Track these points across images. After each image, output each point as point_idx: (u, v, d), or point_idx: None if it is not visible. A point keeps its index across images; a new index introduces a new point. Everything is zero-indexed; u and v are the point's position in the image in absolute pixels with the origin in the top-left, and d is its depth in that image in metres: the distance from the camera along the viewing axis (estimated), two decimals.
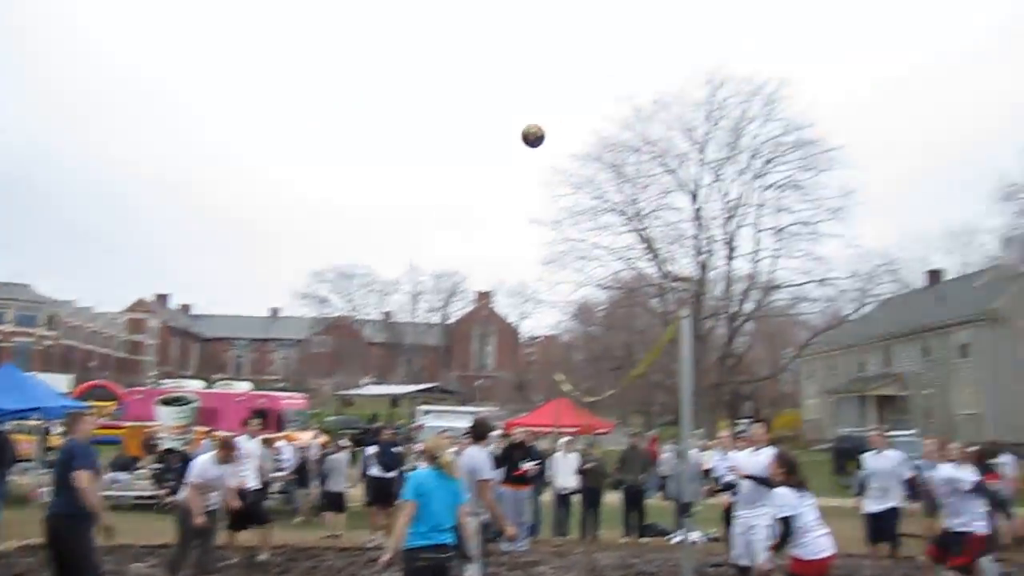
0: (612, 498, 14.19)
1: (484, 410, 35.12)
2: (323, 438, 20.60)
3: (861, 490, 10.24)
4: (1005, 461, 13.55)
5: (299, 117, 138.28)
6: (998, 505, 10.07)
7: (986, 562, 9.03)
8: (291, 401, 29.52)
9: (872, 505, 9.85)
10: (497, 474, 7.24)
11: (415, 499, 5.86)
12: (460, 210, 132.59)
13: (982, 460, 10.35)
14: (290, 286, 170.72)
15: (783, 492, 6.51)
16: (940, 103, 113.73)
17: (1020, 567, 10.72)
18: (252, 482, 10.53)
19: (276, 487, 14.96)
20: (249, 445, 10.71)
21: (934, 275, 51.64)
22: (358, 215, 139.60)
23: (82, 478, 6.35)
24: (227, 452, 8.95)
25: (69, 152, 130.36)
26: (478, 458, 7.48)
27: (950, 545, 8.20)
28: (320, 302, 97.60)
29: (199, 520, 8.34)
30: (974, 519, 8.20)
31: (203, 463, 8.79)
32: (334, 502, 13.61)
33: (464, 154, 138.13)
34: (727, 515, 9.86)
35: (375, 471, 12.49)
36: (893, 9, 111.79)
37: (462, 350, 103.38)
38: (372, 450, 12.90)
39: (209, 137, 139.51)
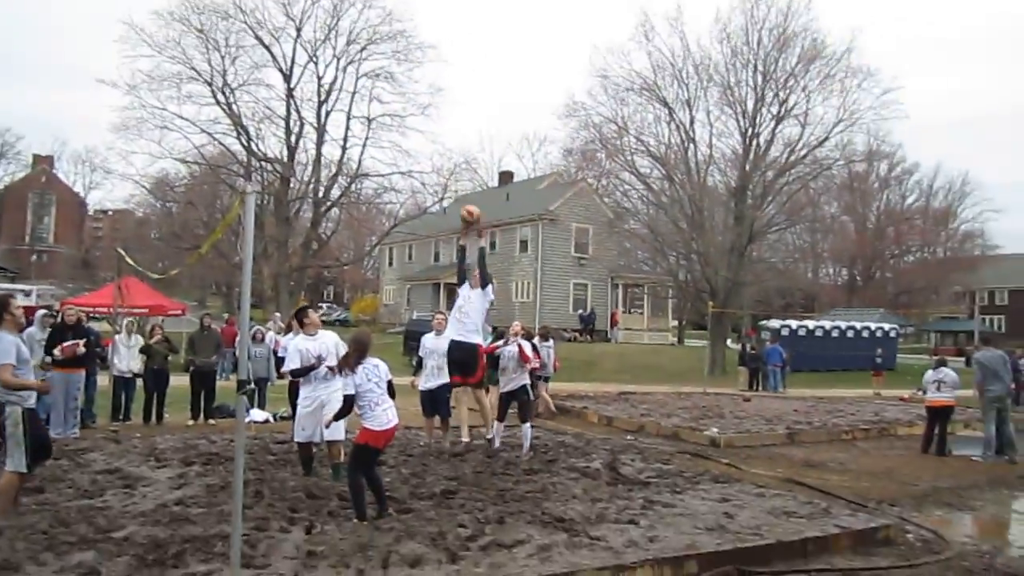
0: (181, 380, 13.67)
1: (40, 288, 31.53)
2: None
3: (418, 368, 11.04)
4: (549, 344, 15.70)
5: None
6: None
7: (526, 427, 10.46)
8: None
9: (428, 382, 10.72)
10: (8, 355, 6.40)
11: None
12: (15, 58, 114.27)
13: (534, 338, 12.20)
14: None
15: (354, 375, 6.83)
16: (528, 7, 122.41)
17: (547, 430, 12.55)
18: None
19: None
20: None
21: (505, 176, 56.75)
22: None
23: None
24: None
25: None
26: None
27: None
28: None
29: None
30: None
31: None
32: None
33: None
34: (292, 395, 10.09)
35: None
36: None
37: (14, 220, 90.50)
38: None
39: None
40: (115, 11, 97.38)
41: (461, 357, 10.03)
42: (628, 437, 13.28)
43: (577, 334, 39.51)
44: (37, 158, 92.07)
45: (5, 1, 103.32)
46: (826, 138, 34.23)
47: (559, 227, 41.68)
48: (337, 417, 7.09)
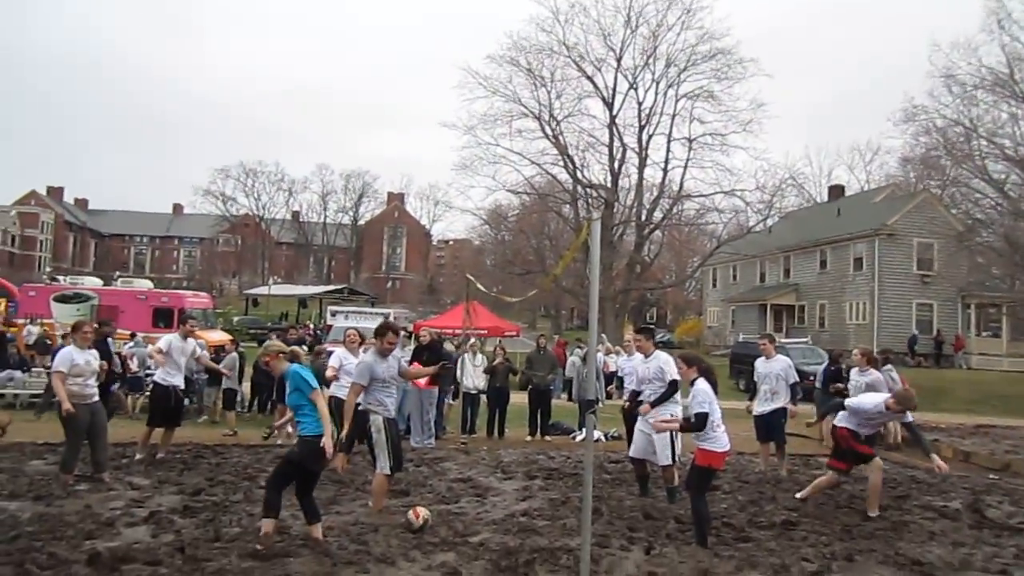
0: (519, 398, 14.52)
1: (394, 311, 35.22)
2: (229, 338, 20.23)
3: (752, 394, 10.76)
4: (889, 369, 14.47)
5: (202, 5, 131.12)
6: None
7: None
8: (196, 300, 28.94)
9: (761, 407, 10.42)
10: (365, 377, 7.36)
11: (314, 390, 6.19)
12: (371, 109, 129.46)
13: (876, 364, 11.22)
14: (193, 183, 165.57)
15: (704, 387, 6.81)
16: (858, 27, 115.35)
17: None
18: (179, 382, 10.35)
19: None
20: (183, 345, 10.38)
21: (835, 190, 53.46)
22: (266, 111, 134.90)
23: None
24: (85, 335, 8.71)
25: None
26: (364, 359, 7.66)
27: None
28: (225, 200, 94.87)
29: (66, 407, 8.12)
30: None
31: (66, 352, 8.51)
32: (228, 400, 13.65)
33: (376, 52, 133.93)
34: (627, 416, 10.30)
35: None
36: None
37: (372, 251, 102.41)
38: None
39: (106, 22, 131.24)
40: (452, 58, 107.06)
41: None
42: (991, 476, 11.85)
43: (922, 359, 36.04)
44: (390, 195, 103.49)
45: (367, 61, 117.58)
46: None
47: (898, 242, 38.39)
48: (685, 429, 7.07)
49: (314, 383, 6.17)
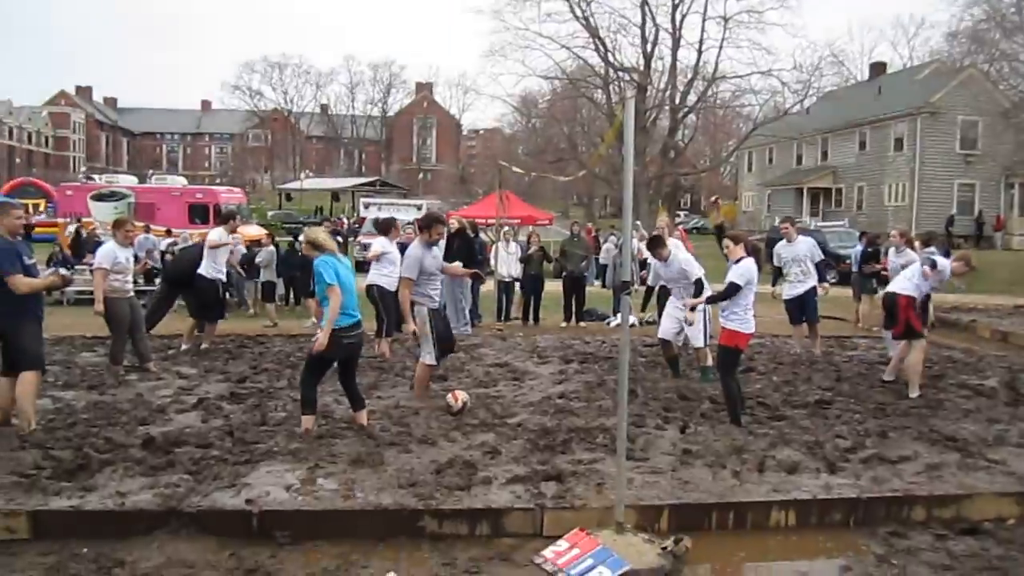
0: (553, 286, 14.61)
1: (427, 202, 35.18)
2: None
3: (774, 279, 10.71)
4: (931, 251, 14.23)
5: None
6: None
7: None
8: (230, 196, 29.14)
9: (790, 290, 10.38)
10: (414, 270, 7.38)
11: (338, 283, 6.18)
12: None
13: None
14: (220, 78, 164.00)
15: (748, 265, 6.80)
16: None
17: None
18: (223, 275, 10.59)
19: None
20: (219, 237, 10.51)
21: (877, 68, 51.54)
22: (289, 2, 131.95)
23: (14, 283, 6.03)
24: (127, 232, 8.91)
25: None
26: (412, 253, 7.54)
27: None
28: (252, 94, 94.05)
29: (98, 307, 8.36)
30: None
31: (107, 248, 8.68)
32: (267, 292, 13.92)
33: None
34: (660, 299, 10.36)
35: None
36: None
37: (402, 143, 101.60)
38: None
39: None
40: None
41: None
42: None
43: (962, 240, 35.47)
44: (419, 86, 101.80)
45: None
46: None
47: (941, 121, 37.17)
48: (712, 300, 7.06)
49: (330, 278, 6.16)
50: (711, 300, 7.18)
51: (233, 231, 10.91)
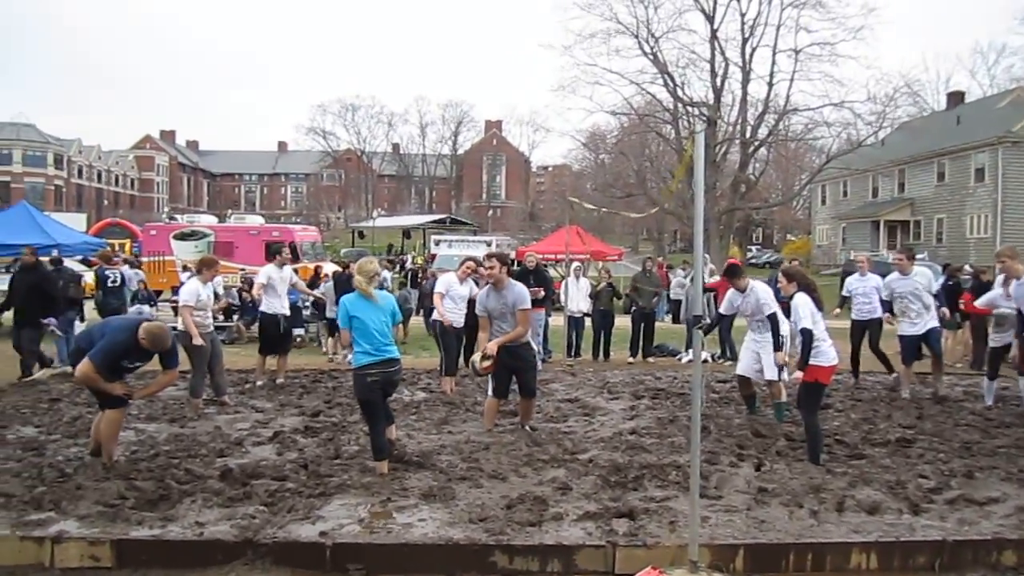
0: (623, 322, 14.52)
1: (497, 239, 35.47)
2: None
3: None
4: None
5: None
6: None
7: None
8: (305, 234, 29.84)
9: (909, 328, 9.92)
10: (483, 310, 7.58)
11: (347, 325, 6.36)
12: (467, 37, 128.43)
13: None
14: (295, 120, 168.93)
15: (804, 301, 6.72)
16: None
17: None
18: (284, 309, 10.70)
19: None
20: (282, 274, 10.67)
21: (955, 97, 50.22)
22: (362, 46, 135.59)
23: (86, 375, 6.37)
24: (210, 271, 9.14)
25: None
26: (479, 295, 7.86)
27: None
28: (326, 135, 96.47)
29: (197, 341, 8.61)
30: None
31: (191, 286, 8.95)
32: (332, 327, 14.13)
33: None
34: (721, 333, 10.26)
35: None
36: None
37: (472, 180, 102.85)
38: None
39: None
40: None
41: None
42: None
43: None
44: (488, 123, 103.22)
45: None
46: None
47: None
48: (803, 364, 6.82)
49: (342, 321, 6.42)
50: (801, 366, 6.85)
51: (283, 264, 10.81)
